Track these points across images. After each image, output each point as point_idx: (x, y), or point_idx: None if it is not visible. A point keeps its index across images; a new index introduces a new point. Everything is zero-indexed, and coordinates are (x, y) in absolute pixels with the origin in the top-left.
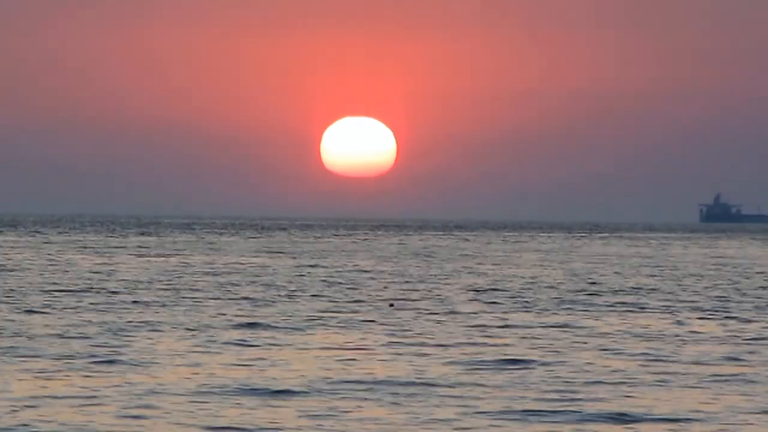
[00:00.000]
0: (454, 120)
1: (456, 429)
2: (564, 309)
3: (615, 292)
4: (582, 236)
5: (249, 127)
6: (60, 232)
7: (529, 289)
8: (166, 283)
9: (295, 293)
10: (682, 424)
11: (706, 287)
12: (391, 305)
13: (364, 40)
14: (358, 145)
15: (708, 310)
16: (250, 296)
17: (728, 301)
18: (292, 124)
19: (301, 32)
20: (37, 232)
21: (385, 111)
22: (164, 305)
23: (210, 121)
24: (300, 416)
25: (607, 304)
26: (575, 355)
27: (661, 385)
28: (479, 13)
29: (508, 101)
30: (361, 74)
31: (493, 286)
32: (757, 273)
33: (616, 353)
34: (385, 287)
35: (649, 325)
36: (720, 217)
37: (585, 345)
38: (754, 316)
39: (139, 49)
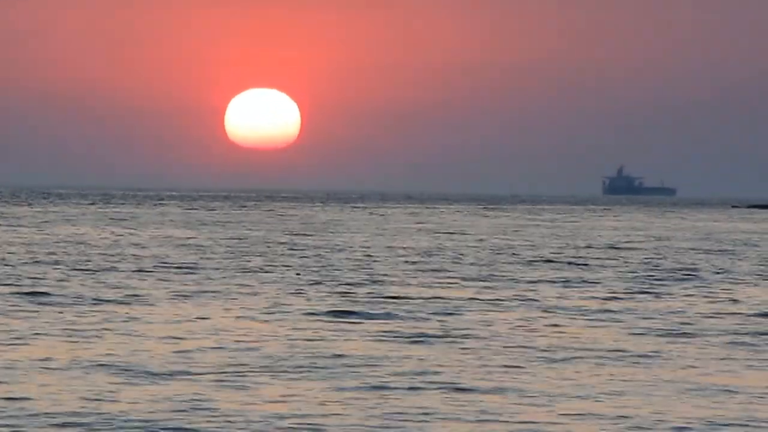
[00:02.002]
0: (357, 92)
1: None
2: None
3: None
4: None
5: (152, 98)
6: None
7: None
8: None
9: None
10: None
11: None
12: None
13: (269, 12)
14: (262, 116)
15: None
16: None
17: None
18: (196, 95)
19: (206, 2)
20: None
21: (290, 83)
22: None
23: (111, 91)
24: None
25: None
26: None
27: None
28: None
29: (411, 74)
30: (266, 46)
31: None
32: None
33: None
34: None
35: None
36: (623, 189)
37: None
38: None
39: (39, 16)
